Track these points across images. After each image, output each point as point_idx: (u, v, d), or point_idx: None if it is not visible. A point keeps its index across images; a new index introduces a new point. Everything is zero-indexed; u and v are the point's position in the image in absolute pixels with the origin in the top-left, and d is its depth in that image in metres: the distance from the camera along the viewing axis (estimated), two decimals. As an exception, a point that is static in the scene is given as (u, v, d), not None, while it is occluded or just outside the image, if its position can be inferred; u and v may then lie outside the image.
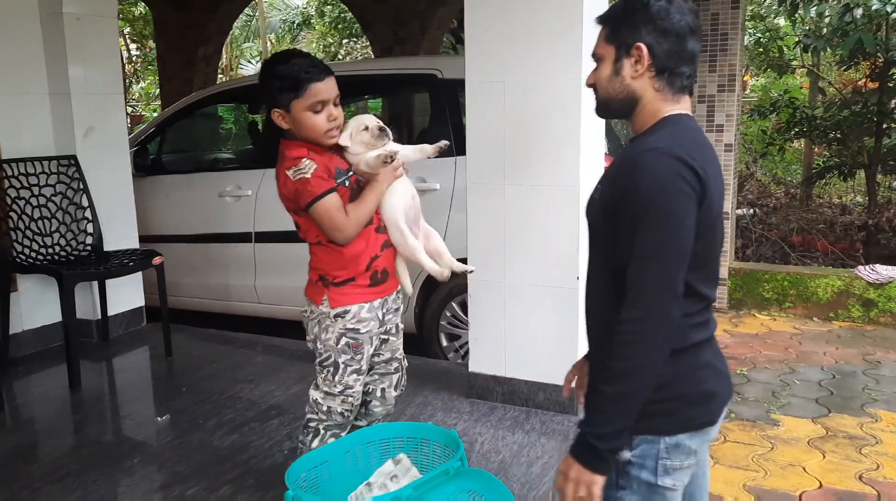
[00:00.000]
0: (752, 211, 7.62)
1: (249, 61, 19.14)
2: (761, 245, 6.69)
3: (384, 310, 2.32)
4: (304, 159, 2.10)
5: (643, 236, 1.35)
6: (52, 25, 4.04)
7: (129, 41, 15.68)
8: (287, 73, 2.08)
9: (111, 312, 4.29)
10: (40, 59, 4.08)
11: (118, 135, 4.36)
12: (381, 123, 2.24)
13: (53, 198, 4.00)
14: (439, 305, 4.00)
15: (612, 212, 1.44)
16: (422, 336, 4.16)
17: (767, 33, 8.72)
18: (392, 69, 4.65)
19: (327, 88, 2.12)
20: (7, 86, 3.92)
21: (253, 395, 3.44)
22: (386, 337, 2.38)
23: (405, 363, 2.50)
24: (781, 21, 9.87)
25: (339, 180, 2.15)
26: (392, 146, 2.23)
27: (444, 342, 4.05)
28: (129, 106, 15.31)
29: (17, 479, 2.70)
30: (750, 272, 5.47)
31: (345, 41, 15.37)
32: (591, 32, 1.64)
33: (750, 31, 9.26)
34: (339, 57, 15.81)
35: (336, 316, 2.21)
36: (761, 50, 8.58)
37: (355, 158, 2.21)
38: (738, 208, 6.51)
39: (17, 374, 3.79)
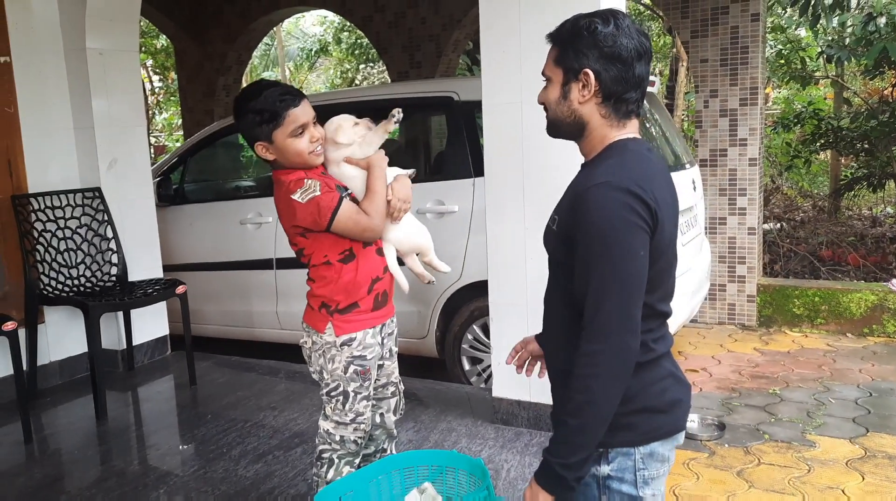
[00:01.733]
0: (779, 225, 7.50)
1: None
2: (790, 260, 6.57)
3: (383, 334, 2.31)
4: (306, 180, 2.10)
5: (598, 271, 1.38)
6: (76, 61, 4.12)
7: (151, 73, 15.96)
8: (262, 106, 2.09)
9: (136, 341, 4.32)
10: (65, 95, 4.15)
11: (141, 166, 4.41)
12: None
13: (79, 230, 4.05)
14: (461, 328, 3.97)
15: (568, 243, 1.45)
16: (444, 360, 4.13)
17: (789, 45, 8.64)
18: (409, 93, 4.66)
19: (304, 112, 2.12)
20: (34, 121, 4.00)
21: (276, 423, 3.42)
22: (381, 362, 2.35)
23: (401, 386, 2.48)
24: (803, 32, 9.78)
25: (341, 195, 2.14)
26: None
27: (467, 366, 4.00)
28: (153, 137, 15.57)
29: (43, 513, 2.70)
30: (779, 288, 5.37)
31: (362, 66, 15.51)
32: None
33: (771, 43, 9.18)
34: (357, 82, 15.95)
35: (342, 344, 2.19)
36: (783, 62, 8.50)
37: (348, 150, 2.20)
38: (764, 223, 6.41)
39: (44, 405, 3.81)
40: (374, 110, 4.59)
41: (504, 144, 3.12)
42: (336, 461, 2.28)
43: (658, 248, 1.42)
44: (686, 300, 4.05)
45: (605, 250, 1.37)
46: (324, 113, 2.24)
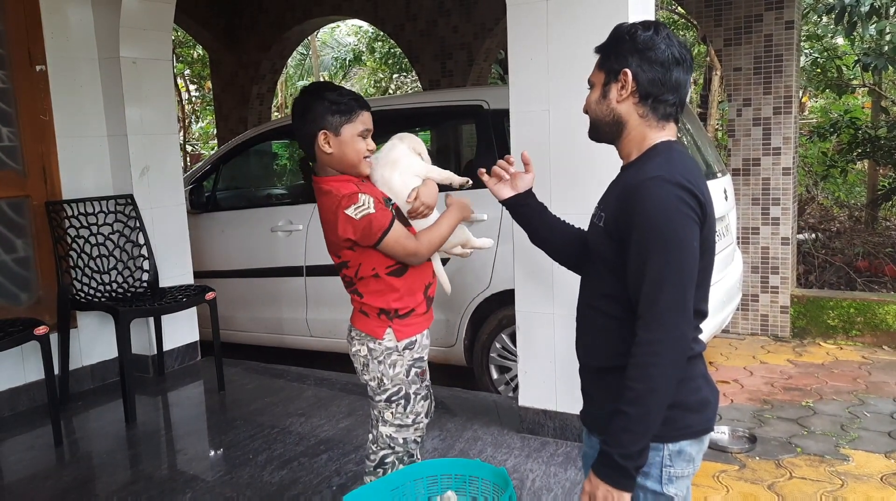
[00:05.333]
0: (813, 236, 7.35)
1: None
2: (825, 271, 6.43)
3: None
4: (360, 195, 2.09)
5: (655, 262, 1.41)
6: (110, 70, 4.19)
7: (188, 82, 16.22)
8: (339, 98, 2.14)
9: (167, 347, 4.37)
10: (99, 103, 4.23)
11: (173, 174, 4.47)
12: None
13: (111, 236, 4.11)
14: (489, 337, 3.95)
15: (616, 239, 1.50)
16: (472, 369, 4.11)
17: (825, 53, 8.49)
18: (439, 102, 4.66)
19: (370, 119, 2.19)
20: (69, 129, 4.07)
21: (303, 429, 3.43)
22: None
23: (432, 390, 2.47)
24: (840, 40, 9.61)
25: (393, 214, 2.15)
26: (430, 170, 2.30)
27: (495, 375, 3.98)
28: (189, 145, 15.81)
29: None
30: (814, 299, 5.26)
31: (395, 76, 15.60)
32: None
33: (807, 51, 9.03)
34: (390, 92, 16.04)
35: (405, 348, 2.21)
36: (819, 70, 8.36)
37: (412, 168, 2.25)
38: (799, 233, 6.29)
39: (75, 409, 3.87)
40: (404, 119, 4.68)
41: (531, 152, 3.09)
42: (398, 464, 2.30)
43: (704, 243, 1.46)
44: (717, 310, 3.98)
45: (661, 242, 1.41)
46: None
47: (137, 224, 4.20)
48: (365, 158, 2.18)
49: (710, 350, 4.82)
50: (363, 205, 2.07)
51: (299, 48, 18.86)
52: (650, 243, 1.42)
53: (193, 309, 4.36)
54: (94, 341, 4.15)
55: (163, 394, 4.14)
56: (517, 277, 3.21)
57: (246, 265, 4.90)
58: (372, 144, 2.19)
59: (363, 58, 16.22)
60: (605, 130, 1.61)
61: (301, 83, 20.28)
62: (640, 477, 1.50)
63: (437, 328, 4.06)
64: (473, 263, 3.75)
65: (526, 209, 1.94)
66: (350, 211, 2.07)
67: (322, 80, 17.90)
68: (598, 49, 1.62)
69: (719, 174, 4.40)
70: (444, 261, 2.40)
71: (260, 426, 3.49)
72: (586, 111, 1.65)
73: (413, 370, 2.24)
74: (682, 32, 11.27)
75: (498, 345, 3.93)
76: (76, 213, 3.99)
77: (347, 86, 19.66)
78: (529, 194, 1.94)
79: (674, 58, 1.52)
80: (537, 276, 3.14)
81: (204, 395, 4.11)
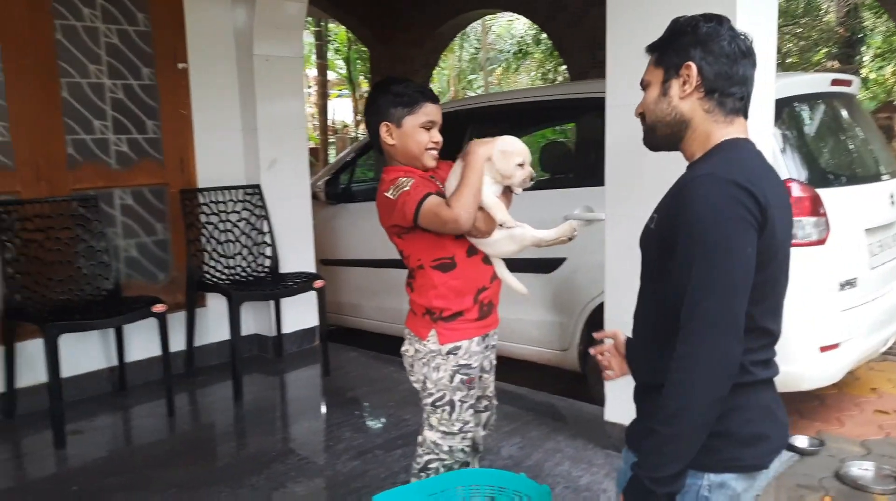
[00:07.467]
0: None
1: (475, 91, 19.89)
2: None
3: (485, 344, 2.22)
4: (401, 177, 2.08)
5: (699, 267, 1.29)
6: (245, 67, 4.45)
7: (364, 77, 17.02)
8: (403, 91, 2.13)
9: (286, 330, 4.58)
10: (235, 98, 4.51)
11: (299, 166, 4.68)
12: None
13: (238, 223, 4.37)
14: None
15: (667, 243, 1.37)
16: (585, 377, 3.92)
17: None
18: (583, 93, 4.45)
19: (436, 111, 2.15)
20: (205, 122, 4.38)
21: (388, 421, 3.47)
22: (480, 374, 2.27)
23: (495, 402, 2.40)
24: None
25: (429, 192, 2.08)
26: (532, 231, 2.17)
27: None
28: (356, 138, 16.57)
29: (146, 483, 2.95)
30: None
31: (560, 67, 15.38)
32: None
33: None
34: (557, 81, 15.85)
35: (448, 353, 2.14)
36: None
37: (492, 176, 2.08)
38: None
39: (194, 383, 4.17)
40: (535, 111, 4.54)
41: (626, 149, 2.89)
42: (443, 470, 2.25)
43: (766, 251, 1.32)
44: (875, 330, 3.56)
45: (707, 245, 1.29)
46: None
47: (263, 213, 4.44)
48: (428, 149, 2.13)
49: (875, 375, 4.26)
50: (401, 184, 2.05)
51: (474, 42, 19.19)
52: (696, 247, 1.29)
53: (313, 296, 4.53)
54: (220, 320, 4.44)
55: (274, 375, 4.36)
56: (607, 280, 3.02)
57: (374, 256, 5.02)
58: (437, 136, 2.14)
59: (529, 50, 16.14)
60: (665, 132, 1.48)
61: (472, 77, 20.60)
62: None
63: (550, 329, 3.94)
64: (589, 264, 3.55)
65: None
66: (389, 193, 2.06)
67: (484, 73, 18.08)
68: (653, 47, 1.50)
69: (885, 177, 3.86)
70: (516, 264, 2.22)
71: (348, 414, 3.57)
72: (640, 115, 1.52)
73: (458, 377, 2.15)
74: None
75: (614, 353, 3.70)
76: (208, 200, 4.28)
77: (514, 78, 19.69)
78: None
79: (740, 50, 1.41)
80: (628, 280, 2.91)
81: (308, 379, 4.27)
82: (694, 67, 1.40)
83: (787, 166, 3.34)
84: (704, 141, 1.43)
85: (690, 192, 1.33)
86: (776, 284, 1.40)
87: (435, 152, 2.16)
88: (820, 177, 3.55)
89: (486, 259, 2.18)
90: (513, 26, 18.41)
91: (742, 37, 1.44)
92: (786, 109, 3.60)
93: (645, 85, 1.51)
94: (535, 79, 17.09)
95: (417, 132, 2.11)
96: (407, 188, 2.03)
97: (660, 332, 1.41)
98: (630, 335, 1.60)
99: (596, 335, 1.77)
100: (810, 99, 3.85)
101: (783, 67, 14.00)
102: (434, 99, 2.16)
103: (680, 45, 1.43)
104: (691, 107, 1.43)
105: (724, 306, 1.28)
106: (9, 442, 3.43)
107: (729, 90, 1.41)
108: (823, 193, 3.30)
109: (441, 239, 2.09)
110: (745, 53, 1.43)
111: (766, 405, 1.42)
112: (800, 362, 3.29)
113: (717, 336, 1.27)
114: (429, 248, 2.10)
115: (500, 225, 2.11)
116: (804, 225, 3.25)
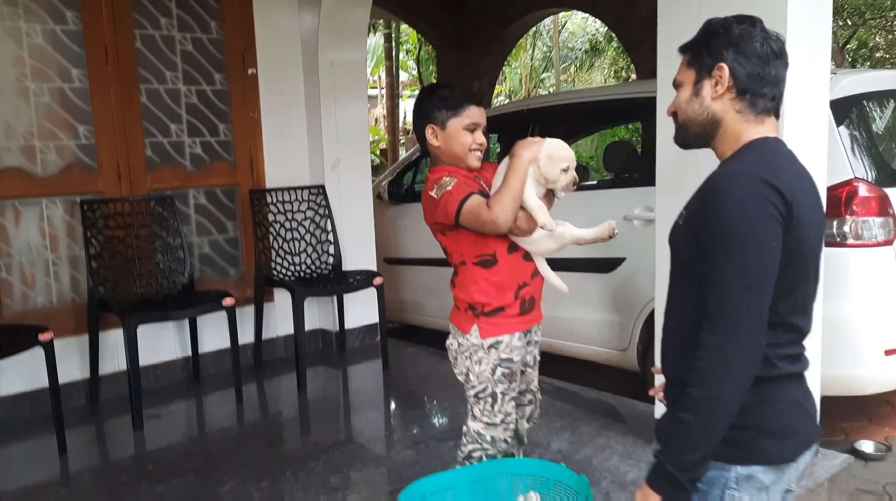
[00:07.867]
0: None
1: (547, 89, 19.81)
2: None
3: (527, 340, 2.29)
4: (445, 177, 2.16)
5: (725, 262, 1.32)
6: (311, 72, 4.63)
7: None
8: (448, 94, 2.22)
9: (350, 325, 4.74)
10: (301, 102, 4.69)
11: (361, 167, 4.83)
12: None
13: (303, 222, 4.55)
14: (660, 343, 3.72)
15: (694, 239, 1.40)
16: (644, 376, 3.91)
17: None
18: (648, 92, 4.42)
19: (480, 114, 2.23)
20: (274, 126, 4.58)
21: (443, 414, 3.56)
22: (523, 368, 2.33)
23: (539, 396, 2.45)
24: None
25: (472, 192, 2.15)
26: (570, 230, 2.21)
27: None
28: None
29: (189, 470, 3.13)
30: None
31: (632, 66, 15.15)
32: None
33: None
34: (630, 79, 15.62)
35: (490, 347, 2.21)
36: None
37: (534, 180, 2.14)
38: None
39: (262, 374, 4.37)
40: (599, 110, 4.53)
41: (677, 149, 2.86)
42: (487, 459, 2.32)
43: (792, 247, 1.35)
44: None
45: (732, 239, 1.32)
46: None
47: (327, 212, 4.61)
48: (472, 150, 2.20)
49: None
50: (444, 184, 2.13)
51: (546, 40, 19.10)
52: (722, 241, 1.33)
53: (374, 292, 4.67)
54: (286, 314, 4.60)
55: (336, 368, 4.52)
56: (658, 283, 3.02)
57: (434, 255, 5.12)
58: (481, 138, 2.21)
59: (601, 47, 15.96)
60: (696, 131, 1.51)
61: (545, 75, 20.50)
62: (699, 496, 1.41)
63: (609, 329, 3.96)
64: (649, 264, 3.55)
65: None
66: (433, 192, 2.15)
67: (553, 73, 17.93)
68: (686, 47, 1.53)
69: None
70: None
71: (405, 407, 3.69)
72: (672, 114, 1.56)
73: (500, 370, 2.21)
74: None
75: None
76: (275, 200, 4.48)
77: (587, 76, 19.49)
78: None
79: (772, 51, 1.43)
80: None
81: (367, 373, 4.40)
82: (726, 68, 1.43)
83: (854, 166, 3.26)
84: (735, 140, 1.46)
85: (717, 187, 1.36)
86: (803, 280, 1.41)
87: (479, 153, 2.22)
88: (889, 177, 3.45)
89: (528, 256, 2.23)
90: (587, 24, 18.26)
91: (775, 37, 1.46)
92: (855, 108, 3.51)
93: (677, 84, 1.54)
94: (608, 77, 16.89)
95: (461, 134, 2.19)
96: (450, 188, 2.11)
97: (688, 327, 1.43)
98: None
99: (654, 370, 1.80)
100: (881, 96, 3.74)
101: (871, 61, 13.41)
102: (478, 102, 2.23)
103: (713, 46, 1.46)
104: (723, 107, 1.46)
105: (748, 299, 1.31)
106: (92, 424, 3.70)
107: (760, 91, 1.44)
108: (892, 192, 3.21)
109: (483, 236, 2.15)
110: (778, 54, 1.45)
111: (795, 399, 1.44)
112: (865, 365, 3.21)
113: (742, 328, 1.31)
114: (471, 245, 2.17)
115: (542, 227, 2.17)
116: (871, 226, 3.17)
